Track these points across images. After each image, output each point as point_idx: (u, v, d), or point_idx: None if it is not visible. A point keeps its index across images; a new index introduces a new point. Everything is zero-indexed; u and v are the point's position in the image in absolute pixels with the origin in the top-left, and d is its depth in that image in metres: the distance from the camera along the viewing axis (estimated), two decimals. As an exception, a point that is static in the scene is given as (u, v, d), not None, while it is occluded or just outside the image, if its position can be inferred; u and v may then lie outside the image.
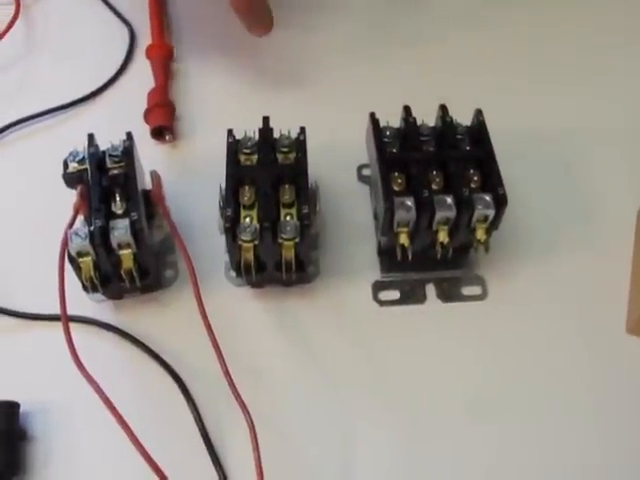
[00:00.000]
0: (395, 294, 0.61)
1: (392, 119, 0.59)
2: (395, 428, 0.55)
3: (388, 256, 0.61)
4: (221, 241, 0.59)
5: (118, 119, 0.67)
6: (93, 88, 0.73)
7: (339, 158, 0.65)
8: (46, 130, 0.71)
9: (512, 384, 0.56)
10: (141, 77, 0.72)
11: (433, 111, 0.60)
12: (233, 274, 0.60)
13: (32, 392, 0.55)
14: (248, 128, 0.58)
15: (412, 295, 0.61)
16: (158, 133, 0.67)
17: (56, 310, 0.54)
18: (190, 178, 0.66)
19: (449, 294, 0.61)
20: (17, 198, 0.66)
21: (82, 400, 0.53)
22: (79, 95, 0.73)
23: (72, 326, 0.53)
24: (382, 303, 0.61)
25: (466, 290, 0.61)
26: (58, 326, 0.54)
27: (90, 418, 0.55)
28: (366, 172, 0.67)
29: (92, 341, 0.56)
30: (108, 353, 0.56)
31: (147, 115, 0.67)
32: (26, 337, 0.58)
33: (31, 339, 0.58)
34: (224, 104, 0.71)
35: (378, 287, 0.61)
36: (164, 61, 0.72)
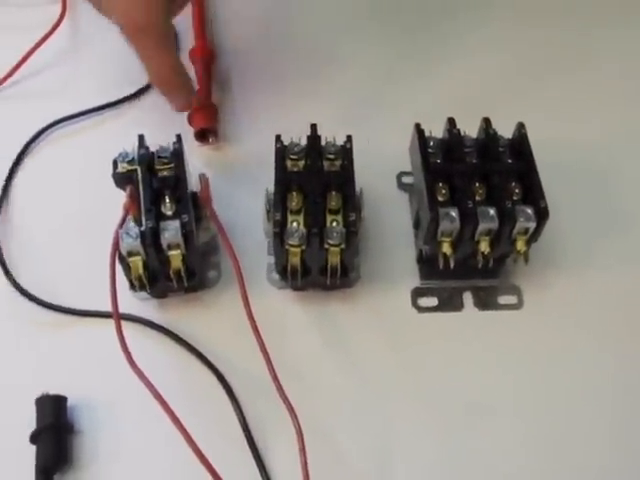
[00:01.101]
0: (433, 301, 0.62)
1: (432, 128, 0.61)
2: (432, 430, 0.57)
3: (427, 263, 0.62)
4: (262, 243, 0.62)
5: (160, 120, 0.68)
6: (136, 89, 0.75)
7: (378, 165, 0.66)
8: (90, 129, 0.72)
9: (544, 392, 0.58)
10: None
11: (471, 122, 0.61)
12: (276, 276, 0.61)
13: (78, 386, 0.56)
14: (288, 130, 0.59)
15: (450, 302, 0.62)
16: (201, 135, 0.68)
17: (102, 306, 0.57)
18: (231, 180, 0.67)
19: (485, 302, 0.62)
20: (62, 196, 0.67)
21: (126, 395, 0.55)
22: (122, 95, 0.74)
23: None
24: (421, 309, 0.62)
25: (502, 299, 0.62)
26: (104, 322, 0.57)
27: (134, 413, 0.56)
28: (406, 180, 0.68)
29: (137, 338, 0.56)
30: (152, 351, 0.57)
31: (191, 117, 0.68)
32: (73, 332, 0.60)
33: (77, 334, 0.60)
34: (265, 107, 0.72)
35: (417, 294, 0.62)
36: (207, 64, 0.73)
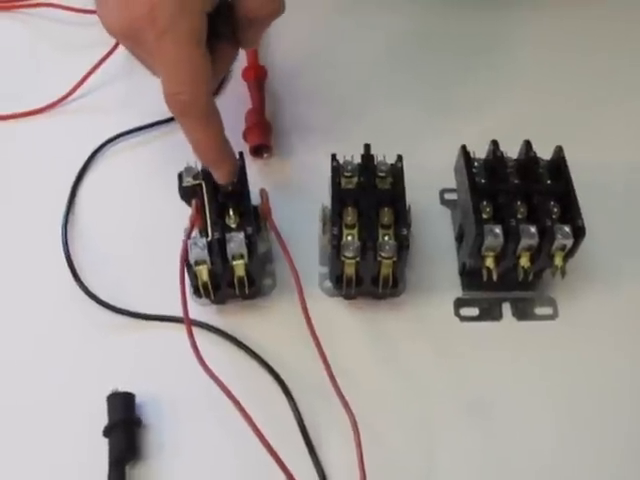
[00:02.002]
0: (474, 311, 0.65)
1: (472, 149, 0.65)
2: (472, 435, 0.60)
3: (469, 275, 0.66)
4: (314, 254, 0.66)
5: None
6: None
7: (422, 182, 0.68)
8: (149, 143, 0.75)
9: (577, 401, 0.60)
10: (236, 97, 0.76)
11: (508, 143, 0.65)
12: (328, 285, 0.65)
13: (144, 385, 0.59)
14: (336, 147, 0.63)
15: (490, 312, 0.65)
16: (256, 151, 0.71)
17: (165, 311, 0.62)
18: (282, 193, 0.69)
19: (523, 313, 0.65)
20: (125, 207, 0.70)
21: (188, 393, 0.59)
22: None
23: (180, 327, 0.59)
24: (462, 318, 0.65)
25: (539, 310, 0.65)
26: (167, 326, 0.63)
27: (195, 410, 0.60)
28: (448, 196, 0.71)
29: (199, 342, 0.57)
30: (213, 353, 0.57)
31: (246, 134, 0.71)
32: (138, 335, 0.63)
33: (143, 337, 0.63)
34: (315, 124, 0.75)
35: (459, 304, 0.65)
36: (260, 82, 0.75)
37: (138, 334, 0.63)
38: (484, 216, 0.60)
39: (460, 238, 0.66)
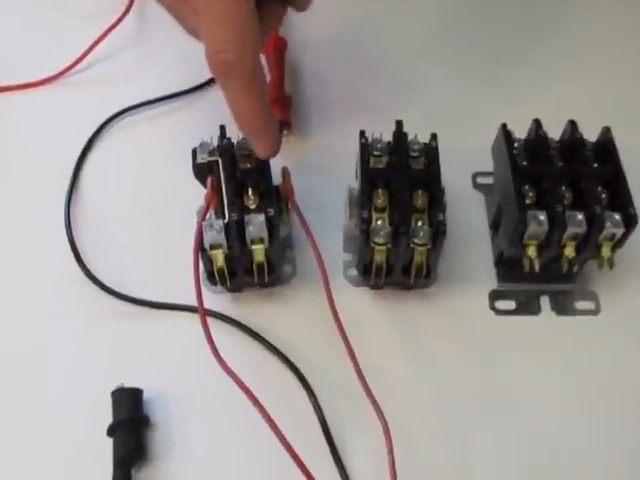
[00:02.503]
0: (511, 304, 0.61)
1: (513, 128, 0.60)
2: (508, 439, 0.56)
3: (506, 266, 0.62)
4: (337, 240, 0.61)
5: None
6: (205, 79, 0.73)
7: (453, 164, 0.63)
8: (159, 117, 0.71)
9: (619, 403, 0.56)
10: None
11: (549, 126, 0.60)
12: (353, 274, 0.61)
13: (152, 379, 0.55)
14: (362, 125, 0.58)
15: (527, 306, 0.61)
16: None
17: (173, 299, 0.58)
18: (303, 174, 0.63)
19: (563, 307, 0.60)
20: (133, 185, 0.66)
21: (201, 389, 0.55)
22: (194, 84, 0.73)
23: (192, 317, 0.55)
24: (498, 312, 0.60)
25: (579, 304, 0.61)
26: (177, 315, 0.58)
27: (209, 406, 0.56)
28: (482, 180, 0.67)
29: (213, 333, 0.52)
30: (228, 346, 0.53)
31: None
32: (145, 325, 0.59)
33: (150, 327, 0.59)
34: (339, 100, 0.71)
35: (495, 296, 0.61)
36: (279, 54, 0.71)
37: (146, 324, 0.59)
38: (527, 201, 0.56)
39: (496, 225, 0.61)
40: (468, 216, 0.65)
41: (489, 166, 0.62)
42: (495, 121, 0.59)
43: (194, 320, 0.53)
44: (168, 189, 0.65)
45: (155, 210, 0.64)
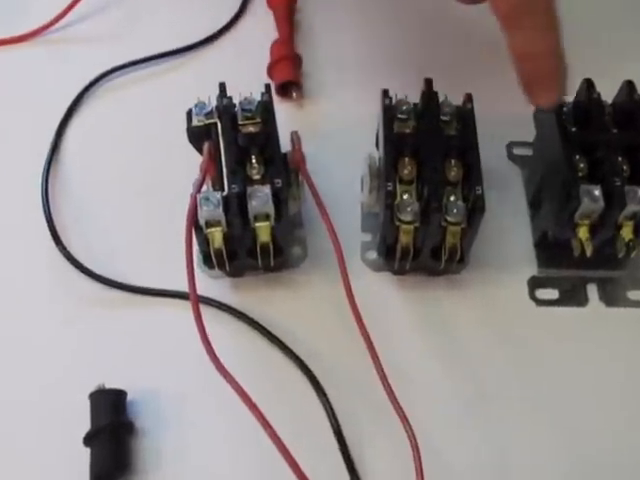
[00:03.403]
0: (554, 293, 0.54)
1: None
2: (546, 436, 0.49)
3: (549, 249, 0.54)
4: (354, 217, 0.55)
5: (233, 71, 0.60)
6: (205, 35, 0.66)
7: (484, 133, 0.54)
8: (151, 78, 0.64)
9: None
10: (259, 26, 0.66)
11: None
12: (372, 256, 0.54)
13: (139, 378, 0.49)
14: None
15: (573, 296, 0.54)
16: (283, 89, 0.61)
17: (165, 284, 0.52)
18: (315, 143, 0.56)
19: (613, 297, 0.54)
20: (120, 155, 0.59)
21: (196, 389, 0.48)
22: (189, 42, 0.66)
23: (185, 305, 0.47)
24: (539, 302, 0.54)
25: (632, 294, 0.54)
26: (169, 303, 0.52)
27: (205, 409, 0.49)
28: (518, 151, 0.60)
29: (210, 324, 0.46)
30: (227, 339, 0.49)
31: (272, 69, 0.61)
32: (132, 314, 0.52)
33: (138, 316, 0.52)
34: (355, 60, 0.64)
35: (535, 284, 0.54)
36: (289, 8, 0.65)
37: (132, 313, 0.52)
38: (579, 174, 0.49)
39: (536, 203, 0.55)
40: (503, 192, 0.57)
41: (526, 135, 0.57)
42: None
43: (187, 309, 0.45)
44: (161, 160, 0.58)
45: (146, 183, 0.57)
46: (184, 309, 0.47)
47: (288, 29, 0.64)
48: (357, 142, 0.55)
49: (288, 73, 0.60)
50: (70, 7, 0.66)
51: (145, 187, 0.57)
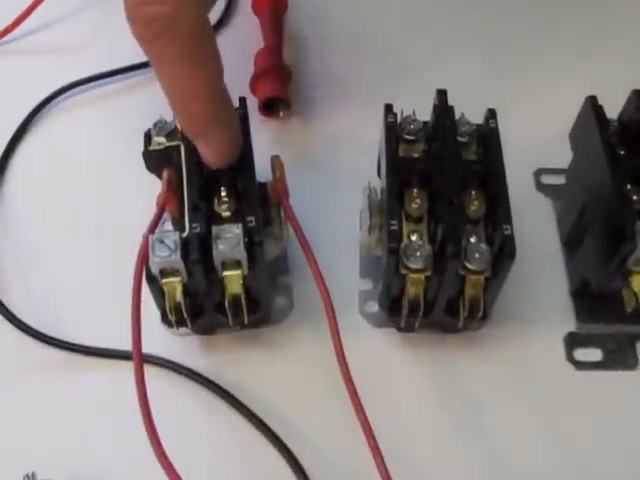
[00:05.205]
0: (596, 354, 0.46)
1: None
2: None
3: (588, 299, 0.47)
4: (352, 260, 0.48)
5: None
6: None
7: (508, 158, 0.47)
8: (116, 94, 0.58)
9: None
10: (244, 34, 0.59)
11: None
12: (373, 309, 0.46)
13: (81, 463, 0.41)
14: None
15: (619, 357, 0.46)
16: (268, 107, 0.54)
17: (119, 344, 0.44)
18: (307, 168, 0.52)
19: None
20: (74, 185, 0.52)
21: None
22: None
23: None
24: (579, 365, 0.46)
25: None
26: (123, 367, 0.43)
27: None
28: (548, 180, 0.52)
29: (166, 392, 0.43)
30: (191, 412, 0.43)
31: (255, 83, 0.53)
32: (75, 379, 0.45)
33: (83, 382, 0.45)
34: (352, 72, 0.58)
35: (573, 342, 0.46)
36: (277, 16, 0.58)
37: (74, 377, 0.45)
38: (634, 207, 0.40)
39: (572, 241, 0.48)
40: (530, 228, 0.48)
41: (558, 160, 0.50)
42: (566, 98, 0.46)
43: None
44: (122, 191, 0.51)
45: (103, 221, 0.51)
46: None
47: (276, 36, 0.57)
48: (355, 169, 0.49)
49: (274, 88, 0.53)
50: (23, 16, 0.60)
51: (102, 225, 0.50)
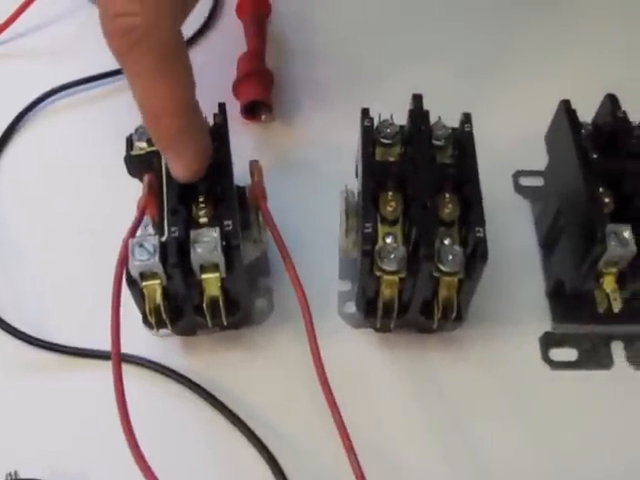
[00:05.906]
0: (571, 354, 0.47)
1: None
2: None
3: (564, 300, 0.47)
4: (331, 262, 0.49)
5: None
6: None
7: (486, 161, 0.47)
8: (102, 98, 0.58)
9: None
10: (229, 38, 0.59)
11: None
12: (351, 310, 0.46)
13: (63, 463, 0.42)
14: (375, 109, 0.44)
15: (594, 356, 0.47)
16: (250, 110, 0.54)
17: (103, 345, 0.43)
18: (287, 172, 0.52)
19: None
20: (59, 188, 0.53)
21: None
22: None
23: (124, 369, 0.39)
24: (554, 365, 0.46)
25: None
26: (102, 366, 0.43)
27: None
28: (526, 182, 0.53)
29: (148, 392, 0.43)
30: (172, 412, 0.43)
31: (237, 87, 0.54)
32: (57, 379, 0.45)
33: (66, 383, 0.45)
34: (333, 77, 0.58)
35: (549, 342, 0.47)
36: (260, 20, 0.58)
37: (57, 377, 0.45)
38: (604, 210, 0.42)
39: (550, 243, 0.48)
40: (508, 231, 0.50)
41: (536, 162, 0.50)
42: (544, 100, 0.46)
43: (125, 374, 0.38)
44: (109, 195, 0.51)
45: (86, 222, 0.51)
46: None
47: (259, 41, 0.57)
48: (335, 172, 0.48)
49: (256, 92, 0.53)
50: (10, 20, 0.60)
51: (87, 227, 0.51)
